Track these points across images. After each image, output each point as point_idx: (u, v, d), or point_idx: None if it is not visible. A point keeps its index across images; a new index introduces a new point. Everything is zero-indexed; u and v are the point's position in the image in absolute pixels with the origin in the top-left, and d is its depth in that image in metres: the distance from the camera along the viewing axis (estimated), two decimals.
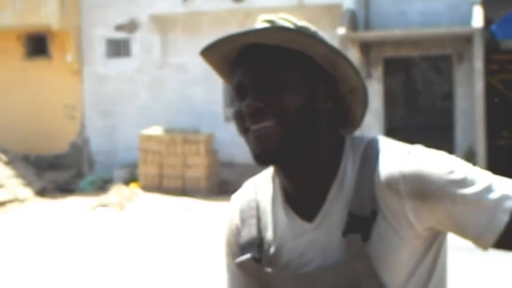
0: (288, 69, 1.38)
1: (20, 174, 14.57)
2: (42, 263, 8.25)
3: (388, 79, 14.71)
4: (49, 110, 16.62)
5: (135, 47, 16.19)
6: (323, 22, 14.02)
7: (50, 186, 14.88)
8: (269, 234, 1.48)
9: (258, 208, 1.51)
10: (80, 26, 16.38)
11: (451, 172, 1.35)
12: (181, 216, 11.60)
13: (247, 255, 1.46)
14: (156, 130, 14.41)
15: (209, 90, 15.60)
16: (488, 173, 1.38)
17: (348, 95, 1.45)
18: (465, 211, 1.34)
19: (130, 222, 11.27)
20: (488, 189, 1.34)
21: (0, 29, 16.29)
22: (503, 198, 1.34)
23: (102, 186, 14.61)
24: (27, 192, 13.98)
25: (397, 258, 1.37)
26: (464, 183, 1.34)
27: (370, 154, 1.41)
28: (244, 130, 1.40)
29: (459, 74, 14.30)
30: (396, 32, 13.95)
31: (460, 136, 14.33)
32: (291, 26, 1.40)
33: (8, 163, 14.84)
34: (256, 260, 1.45)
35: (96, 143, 16.46)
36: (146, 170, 14.07)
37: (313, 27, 1.44)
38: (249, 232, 1.49)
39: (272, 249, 1.46)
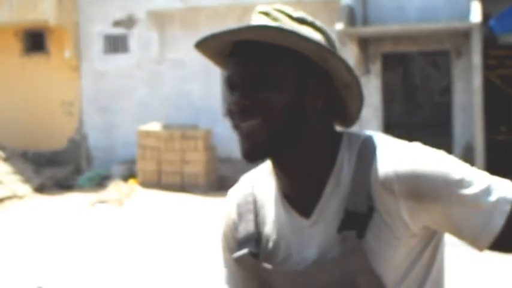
0: (278, 66, 1.37)
1: (18, 171, 14.56)
2: (40, 259, 8.25)
3: (386, 74, 14.70)
4: (47, 106, 16.60)
5: (133, 43, 16.17)
6: (321, 17, 13.98)
7: (48, 183, 14.87)
8: (267, 229, 1.47)
9: (255, 203, 1.50)
10: (78, 22, 16.35)
11: (448, 172, 1.33)
12: (180, 212, 11.60)
13: (245, 250, 1.45)
14: (154, 126, 14.40)
15: (207, 86, 15.60)
16: (486, 174, 1.37)
17: (343, 91, 1.44)
18: (461, 212, 1.33)
19: (129, 218, 11.27)
20: (486, 191, 1.33)
21: None
22: (500, 200, 1.33)
23: (100, 182, 14.61)
24: (25, 189, 13.97)
25: (393, 256, 1.36)
26: (461, 183, 1.33)
27: (366, 151, 1.39)
28: (235, 126, 1.40)
29: (457, 69, 14.29)
30: (394, 28, 13.94)
31: (458, 131, 14.33)
32: (286, 19, 1.40)
33: (6, 159, 14.83)
34: (254, 255, 1.44)
35: (94, 139, 16.45)
36: (144, 166, 14.07)
37: (310, 18, 1.43)
38: (246, 227, 1.49)
39: (270, 244, 1.46)
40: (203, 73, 15.37)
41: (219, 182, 14.01)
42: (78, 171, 16.20)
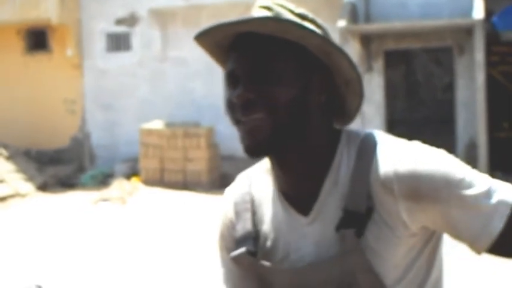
0: (281, 60, 1.34)
1: (21, 169, 14.58)
2: (43, 257, 8.26)
3: (388, 71, 14.68)
4: (50, 104, 16.62)
5: (135, 41, 16.17)
6: (323, 14, 13.97)
7: (51, 181, 14.88)
8: (265, 228, 1.46)
9: (252, 201, 1.49)
10: (80, 20, 16.36)
11: (448, 173, 1.31)
12: (183, 210, 11.60)
13: (242, 249, 1.44)
14: (157, 124, 14.40)
15: (210, 84, 15.59)
16: (486, 176, 1.35)
17: (344, 87, 1.42)
18: (461, 214, 1.31)
19: (131, 216, 11.27)
20: (486, 193, 1.31)
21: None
22: (500, 203, 1.31)
23: (103, 180, 14.62)
24: (28, 187, 13.98)
25: (393, 254, 1.35)
26: (461, 184, 1.31)
27: (366, 149, 1.38)
28: (236, 121, 1.38)
29: (460, 66, 14.27)
30: (397, 24, 13.92)
31: (461, 128, 14.31)
32: (287, 13, 1.37)
33: (9, 158, 14.84)
34: (252, 253, 1.43)
35: (97, 137, 16.47)
36: (147, 164, 14.07)
37: (311, 15, 1.41)
38: (244, 226, 1.47)
39: (268, 243, 1.45)
40: (205, 71, 15.37)
41: (221, 180, 14.01)
42: (81, 169, 16.21)
